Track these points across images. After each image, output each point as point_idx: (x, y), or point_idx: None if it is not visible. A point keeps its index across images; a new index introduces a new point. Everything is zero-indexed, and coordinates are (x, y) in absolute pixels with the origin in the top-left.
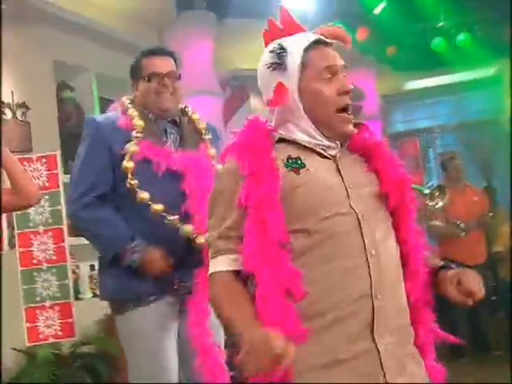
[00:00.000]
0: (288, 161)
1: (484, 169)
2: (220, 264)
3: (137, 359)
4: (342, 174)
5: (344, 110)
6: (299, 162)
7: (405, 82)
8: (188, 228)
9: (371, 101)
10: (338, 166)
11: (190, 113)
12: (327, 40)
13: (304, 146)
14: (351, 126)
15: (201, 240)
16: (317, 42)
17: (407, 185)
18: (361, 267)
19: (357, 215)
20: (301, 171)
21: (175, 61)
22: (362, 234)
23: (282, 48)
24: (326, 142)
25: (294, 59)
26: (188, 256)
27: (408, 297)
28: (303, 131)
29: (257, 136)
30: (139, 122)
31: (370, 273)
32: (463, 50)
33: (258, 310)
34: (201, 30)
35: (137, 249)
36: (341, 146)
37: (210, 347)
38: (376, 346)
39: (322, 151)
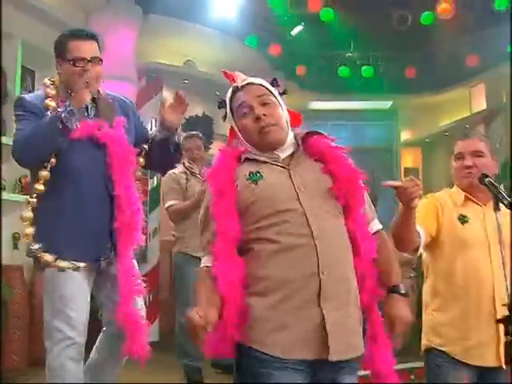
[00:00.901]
0: (249, 175)
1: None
2: (205, 261)
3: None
4: (292, 179)
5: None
6: (258, 174)
7: (309, 101)
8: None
9: None
10: (289, 172)
11: (102, 91)
12: (238, 85)
13: (263, 162)
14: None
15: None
16: (233, 91)
17: (357, 181)
18: (309, 251)
19: (304, 210)
20: (259, 182)
21: (99, 44)
22: (309, 224)
23: (222, 103)
24: (266, 156)
25: (227, 110)
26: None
27: (356, 270)
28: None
29: (224, 160)
30: (51, 103)
31: (317, 255)
32: (366, 81)
33: (221, 294)
34: (127, 20)
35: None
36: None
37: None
38: (321, 310)
39: (274, 163)
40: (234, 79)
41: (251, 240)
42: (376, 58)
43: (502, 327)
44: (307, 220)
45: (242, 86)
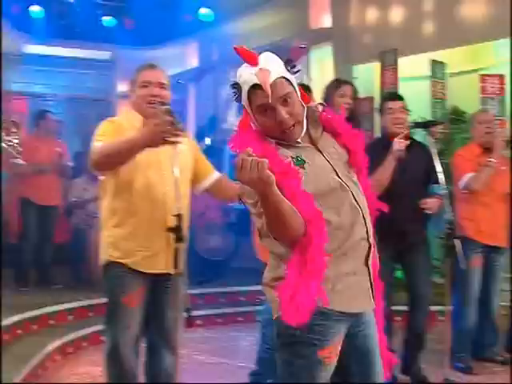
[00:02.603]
0: (294, 159)
1: None
2: None
3: None
4: (327, 158)
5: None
6: (299, 159)
7: (24, 44)
8: None
9: None
10: (322, 152)
11: None
12: (258, 83)
13: (296, 146)
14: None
15: None
16: (253, 87)
17: (364, 152)
18: (361, 222)
19: (347, 186)
20: (305, 166)
21: None
22: (355, 198)
23: (236, 86)
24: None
25: (244, 97)
26: None
27: None
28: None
29: (262, 140)
30: None
31: (365, 224)
32: (84, 28)
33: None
34: None
35: None
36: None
37: None
38: (368, 269)
39: (306, 145)
40: (253, 61)
41: None
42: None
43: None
44: (352, 195)
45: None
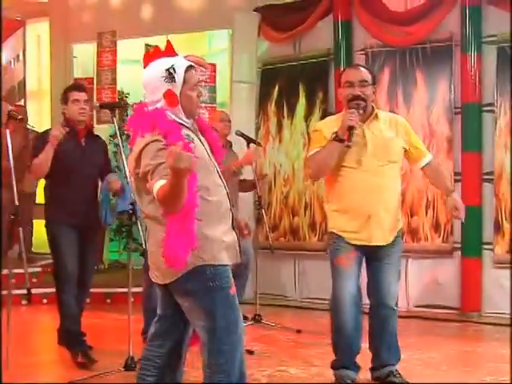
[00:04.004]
0: (187, 137)
1: None
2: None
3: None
4: (203, 144)
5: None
6: (190, 137)
7: None
8: None
9: None
10: (200, 140)
11: None
12: (194, 65)
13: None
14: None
15: None
16: (190, 67)
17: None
18: (225, 194)
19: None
20: (193, 142)
21: None
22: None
23: (173, 69)
24: (188, 120)
25: (179, 77)
26: None
27: None
28: (178, 117)
29: (166, 120)
30: None
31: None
32: None
33: None
34: None
35: None
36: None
37: None
38: (235, 231)
39: (189, 129)
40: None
41: None
42: None
43: None
44: None
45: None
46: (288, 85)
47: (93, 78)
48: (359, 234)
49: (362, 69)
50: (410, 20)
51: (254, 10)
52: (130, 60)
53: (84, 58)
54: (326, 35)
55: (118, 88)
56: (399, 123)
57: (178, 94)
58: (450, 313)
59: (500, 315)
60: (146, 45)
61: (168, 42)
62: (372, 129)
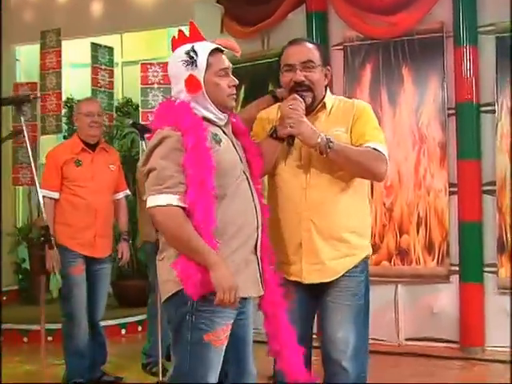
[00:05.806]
0: (214, 136)
1: None
2: (168, 199)
3: None
4: (235, 147)
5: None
6: (218, 137)
7: None
8: None
9: None
10: (232, 142)
11: None
12: (222, 48)
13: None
14: (234, 102)
15: None
16: (216, 50)
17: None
18: (252, 209)
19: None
20: (221, 144)
21: None
22: (250, 187)
23: (194, 51)
24: (221, 115)
25: (201, 60)
26: None
27: None
28: (207, 110)
29: (190, 115)
30: None
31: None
32: None
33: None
34: None
35: None
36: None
37: None
38: (257, 258)
39: (219, 127)
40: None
41: None
42: None
43: None
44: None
45: (223, 51)
46: (256, 86)
47: (37, 83)
48: (290, 266)
49: (308, 44)
50: (394, 8)
51: (217, 2)
52: (79, 64)
53: (27, 60)
54: (298, 29)
55: (68, 94)
56: (356, 109)
57: (202, 81)
58: (448, 347)
59: (507, 350)
60: (93, 44)
61: (192, 24)
62: (316, 125)
